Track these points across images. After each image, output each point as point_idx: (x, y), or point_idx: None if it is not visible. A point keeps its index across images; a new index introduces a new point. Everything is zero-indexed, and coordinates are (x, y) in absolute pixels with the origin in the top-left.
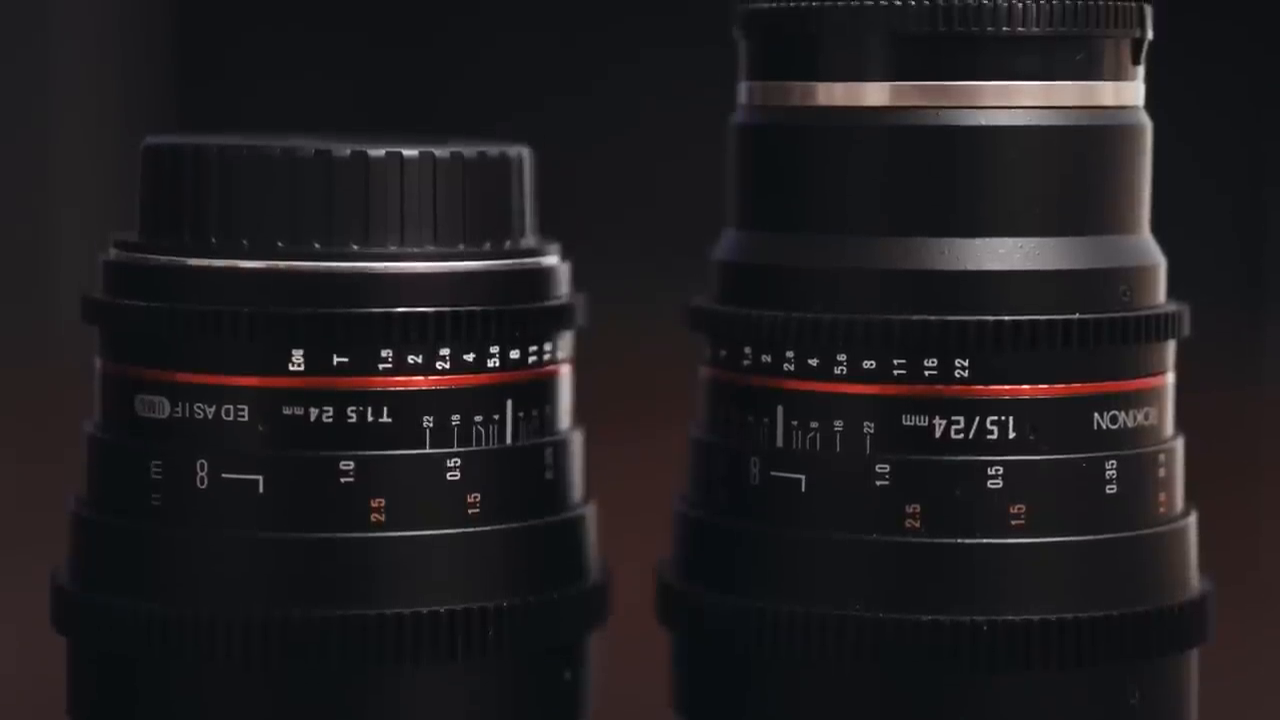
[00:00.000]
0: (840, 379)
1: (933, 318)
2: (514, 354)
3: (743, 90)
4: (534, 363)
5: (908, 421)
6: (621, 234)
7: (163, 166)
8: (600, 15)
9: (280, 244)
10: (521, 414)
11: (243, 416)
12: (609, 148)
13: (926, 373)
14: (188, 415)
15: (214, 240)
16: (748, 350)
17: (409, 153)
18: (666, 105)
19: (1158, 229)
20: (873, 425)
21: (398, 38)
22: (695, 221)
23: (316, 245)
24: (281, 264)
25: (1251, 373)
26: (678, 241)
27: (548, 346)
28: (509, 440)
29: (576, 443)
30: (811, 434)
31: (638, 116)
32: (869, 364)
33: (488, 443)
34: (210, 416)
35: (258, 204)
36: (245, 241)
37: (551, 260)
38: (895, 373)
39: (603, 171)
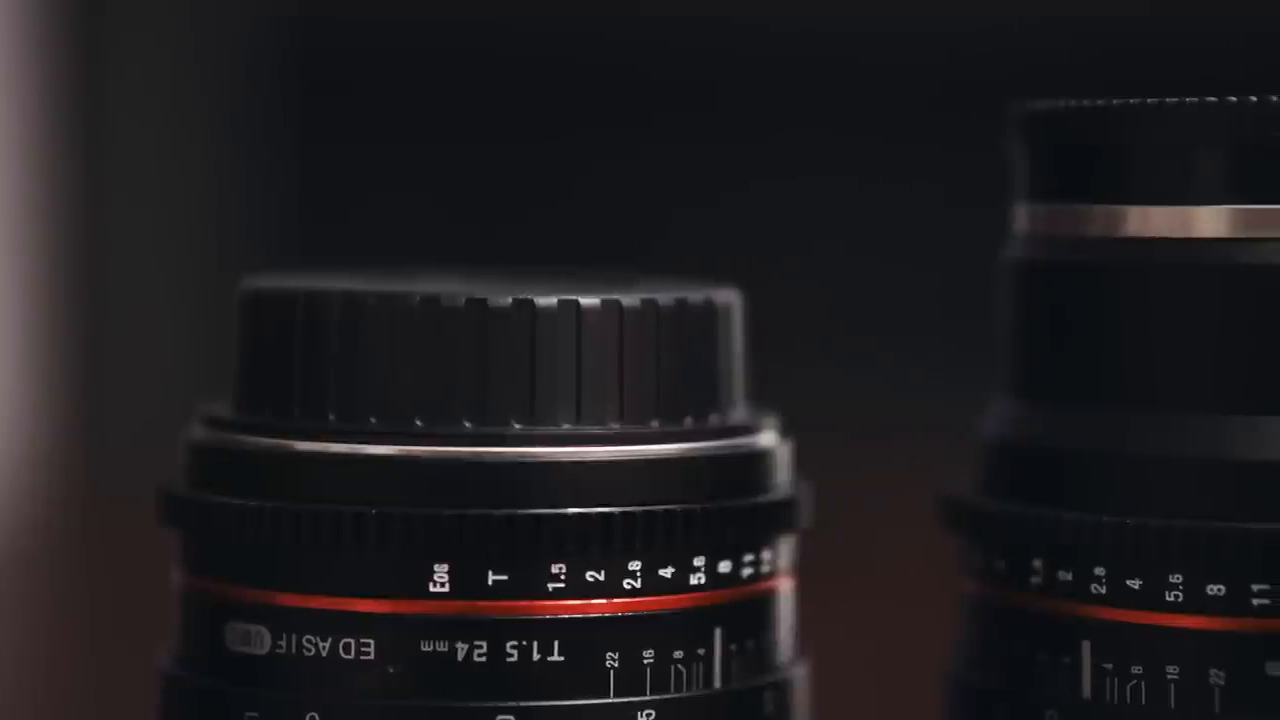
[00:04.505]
0: (1174, 608)
1: None
2: (723, 566)
3: (1022, 215)
4: (749, 576)
5: (1275, 670)
6: (851, 405)
7: (266, 317)
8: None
9: (419, 422)
10: (734, 646)
11: (367, 654)
12: (819, 286)
13: None
14: (295, 651)
15: (331, 417)
16: (1038, 563)
17: (588, 301)
18: (891, 224)
19: None
20: (1223, 674)
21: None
22: (947, 385)
23: (467, 424)
24: (420, 449)
25: None
26: (924, 411)
27: (765, 555)
28: (718, 683)
29: (801, 681)
30: (1133, 682)
31: (862, 244)
32: (1215, 589)
33: (690, 687)
34: (325, 653)
35: (390, 369)
36: (373, 419)
37: (768, 440)
38: (1255, 602)
39: (816, 315)
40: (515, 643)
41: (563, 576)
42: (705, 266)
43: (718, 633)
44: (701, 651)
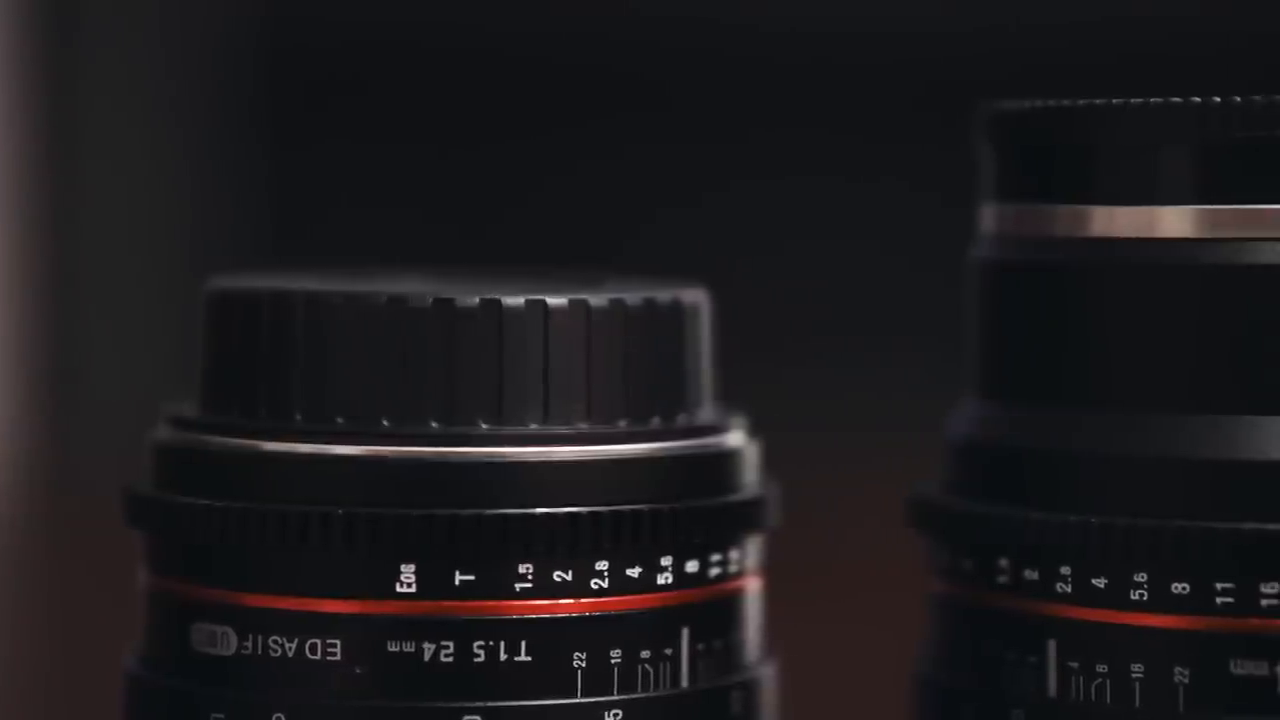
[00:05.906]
0: (1139, 607)
1: (1272, 526)
2: (691, 566)
3: (988, 215)
4: (716, 576)
5: (1239, 669)
6: (818, 403)
7: (232, 317)
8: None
9: (386, 422)
10: (701, 646)
11: (334, 654)
12: (789, 286)
13: (1265, 601)
14: (261, 651)
15: (298, 417)
16: (1004, 563)
17: (555, 301)
18: (871, 227)
19: None
20: (1187, 672)
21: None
22: (918, 383)
23: (434, 424)
24: (387, 449)
25: None
26: (895, 411)
27: (733, 554)
28: (685, 683)
29: (769, 681)
30: (1099, 680)
31: (828, 241)
32: (1180, 587)
33: (658, 687)
34: (291, 654)
35: (357, 369)
36: (340, 419)
37: (736, 439)
38: (1220, 600)
39: (785, 315)
40: (482, 643)
41: (530, 576)
42: (677, 266)
43: (685, 632)
44: (669, 651)
